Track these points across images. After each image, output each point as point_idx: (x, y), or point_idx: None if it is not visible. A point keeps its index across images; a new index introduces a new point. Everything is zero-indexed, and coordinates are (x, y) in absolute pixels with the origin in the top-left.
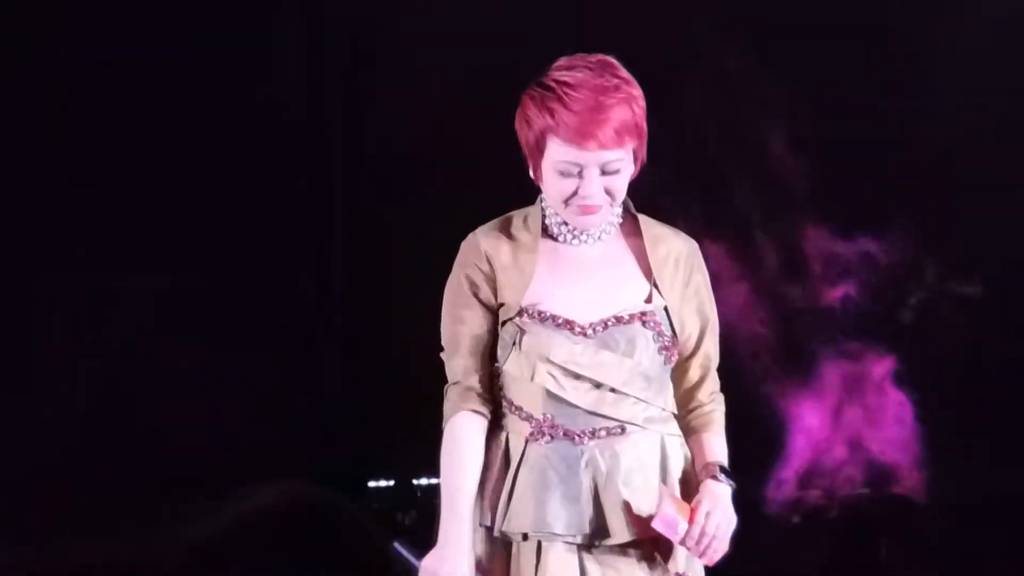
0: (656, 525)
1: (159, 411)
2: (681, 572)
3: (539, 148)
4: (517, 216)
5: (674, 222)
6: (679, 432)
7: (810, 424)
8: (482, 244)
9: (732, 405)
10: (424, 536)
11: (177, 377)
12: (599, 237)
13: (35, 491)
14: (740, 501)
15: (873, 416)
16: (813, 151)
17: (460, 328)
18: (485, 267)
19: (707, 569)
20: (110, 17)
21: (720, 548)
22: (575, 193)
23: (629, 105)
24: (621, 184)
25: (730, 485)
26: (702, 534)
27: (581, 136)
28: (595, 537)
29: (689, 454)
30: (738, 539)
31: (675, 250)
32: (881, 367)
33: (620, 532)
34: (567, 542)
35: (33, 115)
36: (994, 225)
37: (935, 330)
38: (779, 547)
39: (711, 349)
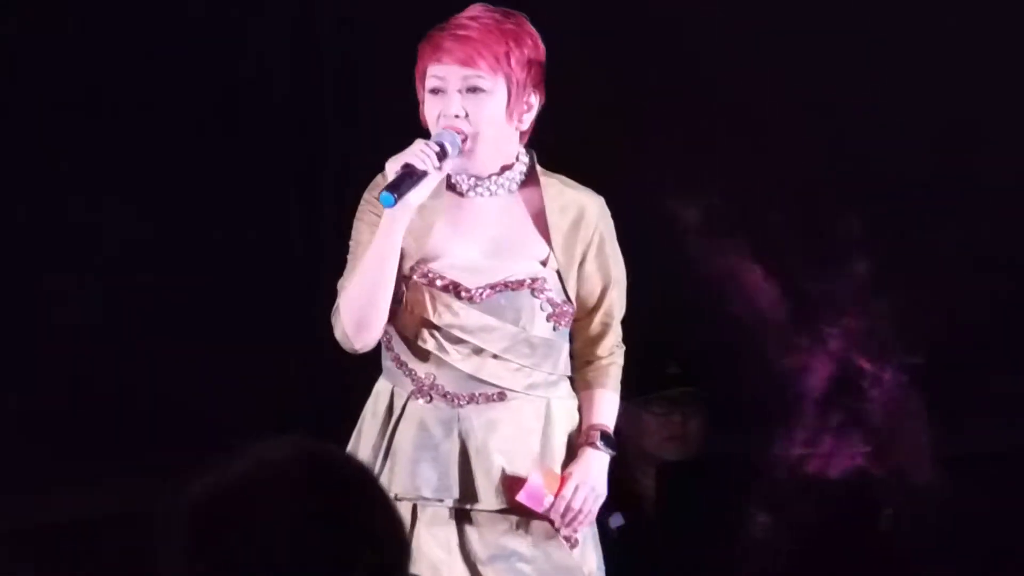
0: (521, 497)
1: (159, 409)
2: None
3: (421, 79)
4: None
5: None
6: (570, 394)
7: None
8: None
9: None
10: None
11: (176, 375)
12: (496, 192)
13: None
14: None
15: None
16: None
17: (358, 249)
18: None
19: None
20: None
21: (585, 520)
22: (441, 115)
23: (503, 36)
24: (485, 110)
25: (609, 452)
26: (567, 508)
27: (442, 51)
28: (464, 501)
29: (574, 416)
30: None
31: (577, 209)
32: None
33: (489, 498)
34: (438, 506)
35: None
36: None
37: None
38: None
39: (614, 305)
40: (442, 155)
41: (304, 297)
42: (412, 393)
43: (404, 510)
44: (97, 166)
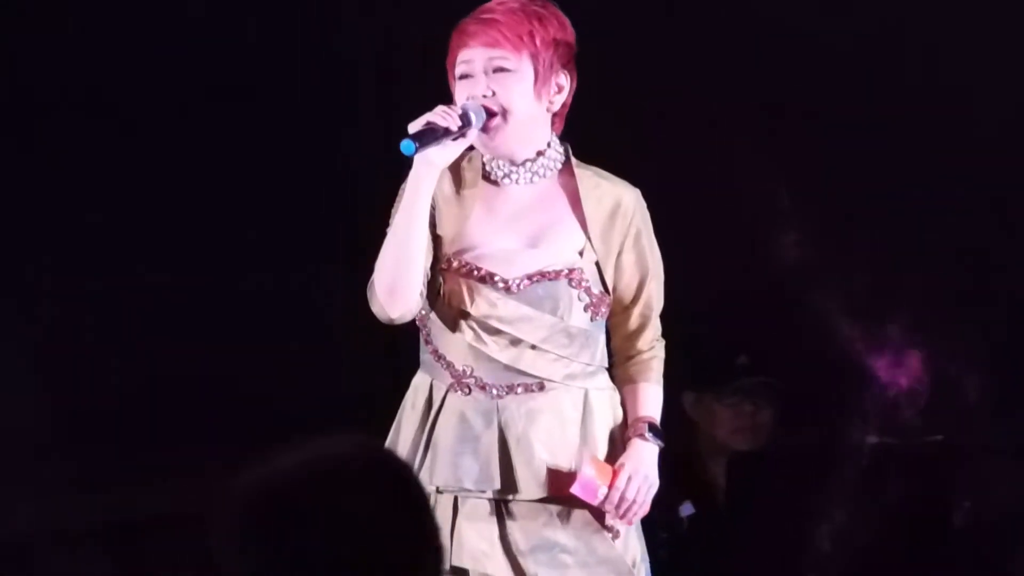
0: (575, 490)
1: (194, 409)
2: (609, 526)
3: (452, 70)
4: (464, 157)
5: None
6: (609, 385)
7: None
8: None
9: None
10: None
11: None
12: (531, 179)
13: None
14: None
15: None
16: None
17: None
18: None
19: None
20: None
21: (640, 511)
22: (469, 98)
23: (527, 16)
24: (512, 89)
25: (657, 444)
26: (622, 498)
27: (467, 35)
28: (505, 493)
29: (620, 408)
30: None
31: (613, 201)
32: None
33: (530, 489)
34: (480, 497)
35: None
36: None
37: None
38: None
39: (652, 298)
40: (465, 121)
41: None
42: (451, 386)
43: (445, 502)
44: (136, 167)
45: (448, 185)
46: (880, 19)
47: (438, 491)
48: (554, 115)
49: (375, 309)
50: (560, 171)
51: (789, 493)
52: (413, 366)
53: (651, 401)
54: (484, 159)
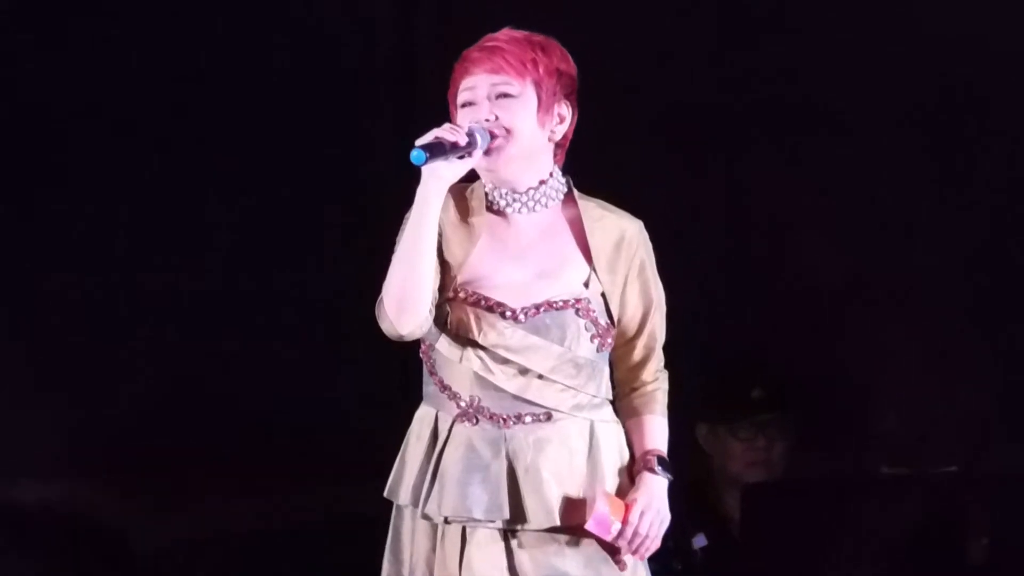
0: (589, 526)
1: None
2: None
3: (453, 98)
4: (467, 187)
5: None
6: (613, 419)
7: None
8: None
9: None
10: None
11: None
12: (534, 208)
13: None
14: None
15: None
16: None
17: None
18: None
19: None
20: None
21: (652, 546)
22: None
23: (531, 45)
24: (515, 113)
25: (667, 477)
26: (635, 534)
27: (471, 63)
28: (514, 522)
29: (624, 441)
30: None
31: (617, 232)
32: None
33: (539, 518)
34: (489, 527)
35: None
36: None
37: None
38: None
39: (656, 329)
40: (471, 139)
41: None
42: (457, 416)
43: (454, 533)
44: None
45: (453, 212)
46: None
47: (446, 521)
48: (556, 146)
49: (385, 327)
50: (563, 202)
51: (803, 524)
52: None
53: (657, 433)
54: (487, 189)
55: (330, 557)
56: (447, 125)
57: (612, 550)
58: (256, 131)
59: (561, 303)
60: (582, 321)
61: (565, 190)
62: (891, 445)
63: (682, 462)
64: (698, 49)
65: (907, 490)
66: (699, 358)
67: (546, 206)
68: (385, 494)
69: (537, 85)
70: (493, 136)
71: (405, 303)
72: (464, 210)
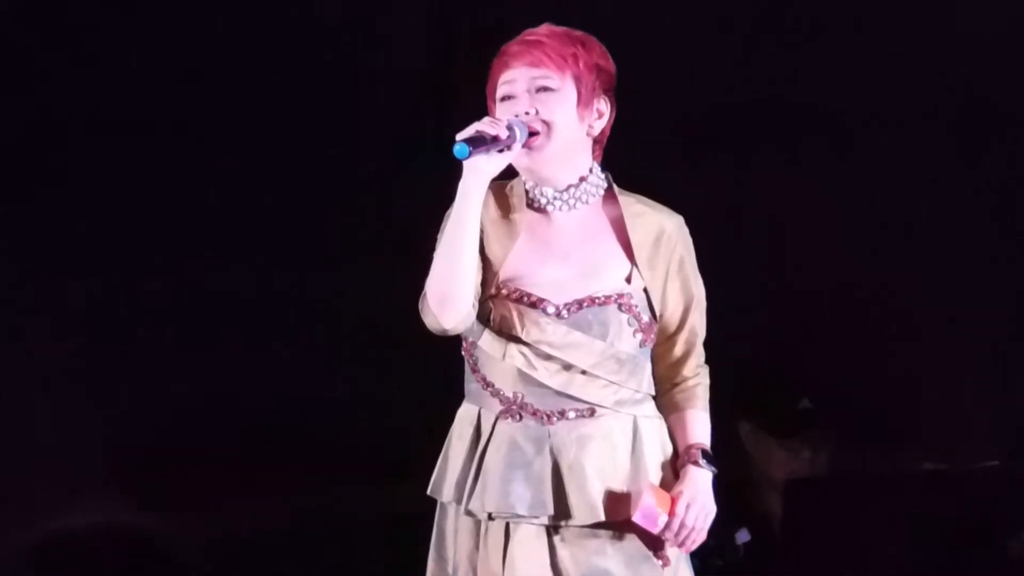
0: (636, 518)
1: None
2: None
3: (492, 92)
4: (506, 184)
5: None
6: (655, 414)
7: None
8: None
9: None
10: None
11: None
12: (575, 205)
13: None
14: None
15: None
16: None
17: None
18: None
19: None
20: None
21: (699, 538)
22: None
23: (571, 40)
24: (556, 108)
25: (711, 470)
26: (682, 526)
27: (511, 56)
28: (558, 518)
29: (667, 436)
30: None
31: (657, 228)
32: None
33: (583, 514)
34: (532, 523)
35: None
36: None
37: None
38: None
39: (697, 324)
40: (511, 133)
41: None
42: (500, 413)
43: (497, 529)
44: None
45: (494, 209)
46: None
47: (490, 517)
48: (594, 142)
49: (428, 321)
50: (603, 199)
51: (844, 521)
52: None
53: (700, 428)
54: (527, 186)
55: (329, 558)
56: (487, 119)
57: (656, 544)
58: (257, 131)
59: (603, 298)
60: (624, 316)
61: (605, 186)
62: (931, 441)
63: (723, 460)
64: (744, 50)
65: (947, 486)
66: (743, 368)
67: (586, 203)
68: (428, 492)
69: (577, 80)
70: (533, 132)
71: (447, 297)
72: (505, 207)
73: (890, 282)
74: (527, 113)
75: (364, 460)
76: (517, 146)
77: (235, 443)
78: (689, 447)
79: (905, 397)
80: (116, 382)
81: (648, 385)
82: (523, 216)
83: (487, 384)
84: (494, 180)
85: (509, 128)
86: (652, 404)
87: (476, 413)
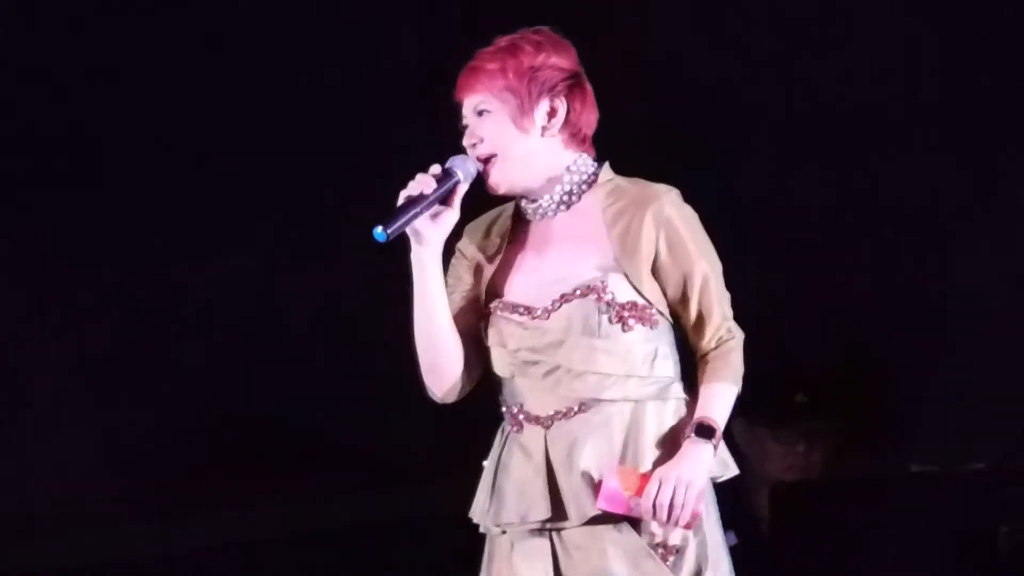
0: (600, 504)
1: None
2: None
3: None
4: (499, 209)
5: None
6: (660, 395)
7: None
8: (465, 235)
9: None
10: None
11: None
12: (559, 208)
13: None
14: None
15: None
16: None
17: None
18: (469, 251)
19: None
20: None
21: (684, 513)
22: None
23: (497, 54)
24: (492, 128)
25: (701, 441)
26: (657, 505)
27: (457, 89)
28: (556, 520)
29: (669, 416)
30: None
31: (638, 215)
32: None
33: (578, 515)
34: (533, 530)
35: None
36: None
37: None
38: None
39: (703, 293)
40: (445, 177)
41: None
42: (511, 426)
43: (505, 541)
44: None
45: (481, 240)
46: None
47: (503, 532)
48: (570, 136)
49: (428, 392)
50: (592, 190)
51: (833, 522)
52: None
53: (709, 401)
54: (522, 203)
55: (334, 561)
56: (417, 178)
57: (656, 544)
58: (258, 131)
59: (582, 292)
60: (600, 305)
61: (590, 178)
62: (921, 443)
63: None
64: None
65: (937, 488)
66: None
67: (572, 203)
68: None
69: (511, 91)
70: (487, 159)
71: (431, 366)
72: (490, 233)
73: (894, 291)
74: (473, 145)
75: (364, 462)
76: (464, 184)
77: (234, 445)
78: (692, 423)
79: (899, 400)
80: (116, 381)
81: (658, 367)
82: (506, 234)
83: (502, 401)
84: (489, 213)
85: (448, 172)
86: (662, 387)
87: (500, 430)
